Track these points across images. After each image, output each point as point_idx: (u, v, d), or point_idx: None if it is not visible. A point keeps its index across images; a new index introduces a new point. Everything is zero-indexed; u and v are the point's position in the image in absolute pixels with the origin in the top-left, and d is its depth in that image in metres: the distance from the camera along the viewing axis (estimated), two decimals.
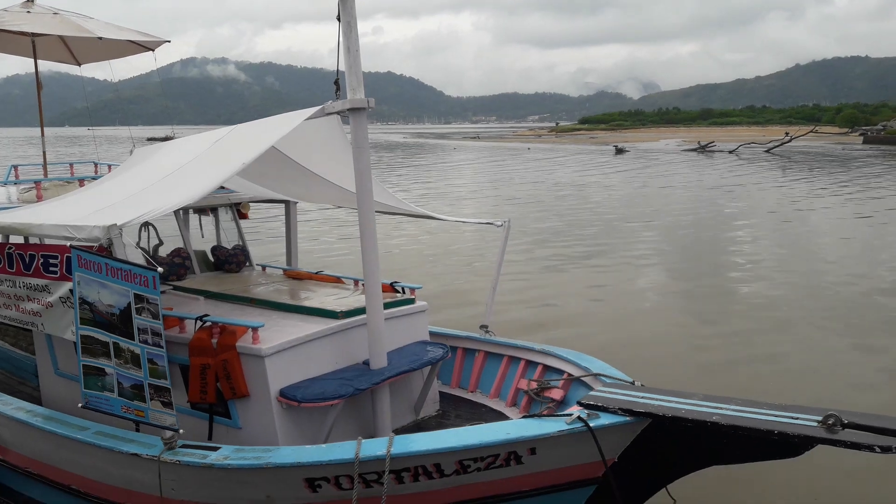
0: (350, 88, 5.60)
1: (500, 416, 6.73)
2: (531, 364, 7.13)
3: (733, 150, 77.73)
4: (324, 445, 4.88)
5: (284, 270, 8.46)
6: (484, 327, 7.79)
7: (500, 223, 7.67)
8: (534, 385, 6.72)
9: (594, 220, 26.57)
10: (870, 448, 3.88)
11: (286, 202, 8.85)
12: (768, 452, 4.31)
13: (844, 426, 4.05)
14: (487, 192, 38.53)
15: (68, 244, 5.18)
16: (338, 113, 5.82)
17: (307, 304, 6.65)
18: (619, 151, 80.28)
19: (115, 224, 4.91)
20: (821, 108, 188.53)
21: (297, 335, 5.76)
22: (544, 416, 4.82)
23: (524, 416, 4.90)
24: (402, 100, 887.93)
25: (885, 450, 3.86)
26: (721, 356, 11.14)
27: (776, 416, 4.25)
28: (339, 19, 5.57)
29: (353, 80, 5.59)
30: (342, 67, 5.64)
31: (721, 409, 4.37)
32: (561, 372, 6.70)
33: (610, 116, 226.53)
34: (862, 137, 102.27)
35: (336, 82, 5.80)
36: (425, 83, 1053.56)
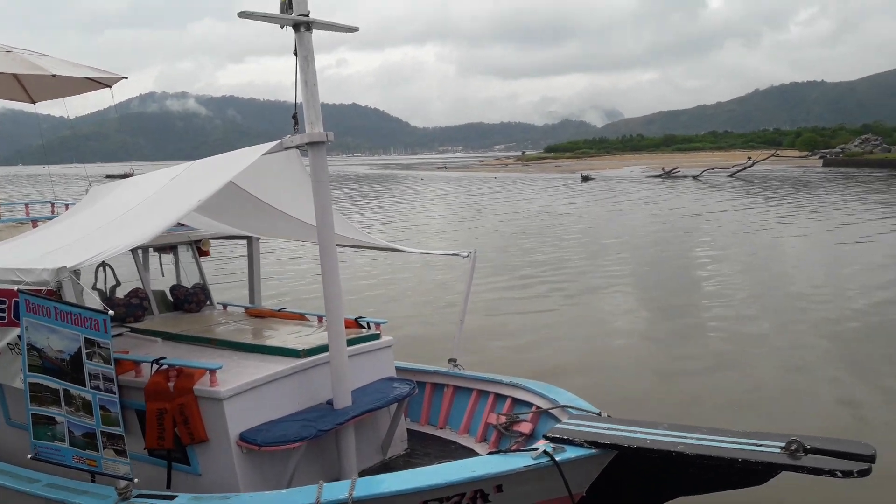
0: (308, 122, 5.57)
1: (470, 453, 6.62)
2: (500, 397, 7.05)
3: (697, 176, 79.31)
4: (284, 491, 4.73)
5: (246, 309, 8.29)
6: (452, 361, 7.70)
7: (466, 254, 7.63)
8: (503, 419, 6.64)
9: (563, 249, 26.75)
10: (832, 473, 3.89)
11: (248, 238, 8.73)
12: (734, 481, 4.30)
13: (807, 451, 4.05)
14: (455, 222, 38.66)
15: (16, 288, 5.01)
16: (296, 147, 5.79)
17: (268, 343, 6.51)
18: (586, 179, 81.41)
19: (65, 266, 4.77)
20: (781, 133, 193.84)
21: (257, 376, 5.62)
22: (511, 451, 4.75)
23: (491, 453, 4.82)
24: (367, 131, 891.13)
25: (847, 474, 3.87)
26: (689, 382, 11.17)
27: (740, 443, 4.25)
28: (295, 54, 5.58)
29: (311, 114, 5.57)
30: (300, 101, 5.64)
31: (686, 438, 4.35)
32: (530, 405, 6.63)
33: (575, 144, 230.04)
34: (822, 160, 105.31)
35: (294, 116, 5.78)
36: (391, 114, 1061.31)
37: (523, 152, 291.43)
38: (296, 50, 5.55)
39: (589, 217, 38.64)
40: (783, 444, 4.12)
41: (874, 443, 4.34)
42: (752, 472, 4.16)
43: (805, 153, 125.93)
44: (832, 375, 11.23)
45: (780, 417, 9.45)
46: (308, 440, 5.37)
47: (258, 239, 8.84)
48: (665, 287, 18.99)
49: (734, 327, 14.33)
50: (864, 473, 3.92)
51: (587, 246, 27.12)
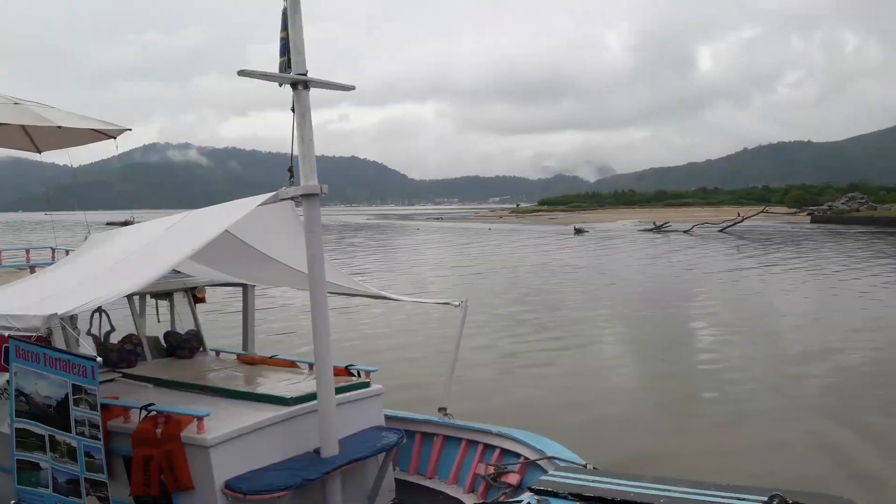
0: (303, 175, 5.74)
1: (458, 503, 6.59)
2: (489, 448, 7.05)
3: (688, 230, 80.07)
4: None
5: (238, 355, 8.32)
6: (442, 410, 7.70)
7: (457, 303, 7.71)
8: (491, 470, 6.62)
9: (556, 300, 26.83)
10: None
11: (243, 286, 8.82)
12: None
13: None
14: (449, 271, 38.77)
15: (7, 334, 5.06)
16: (291, 199, 5.94)
17: (257, 390, 6.53)
18: (579, 232, 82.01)
19: (55, 313, 4.83)
20: (770, 190, 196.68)
21: (245, 423, 5.63)
22: (498, 503, 4.76)
23: None
24: (366, 182, 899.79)
25: None
26: (680, 433, 11.14)
27: (723, 497, 4.28)
28: (293, 110, 5.78)
29: (306, 168, 5.74)
30: (296, 154, 5.81)
31: (670, 491, 4.38)
32: (518, 455, 6.63)
33: (568, 198, 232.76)
34: (810, 217, 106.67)
35: (290, 169, 5.94)
36: (389, 167, 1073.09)
37: (517, 205, 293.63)
38: (293, 107, 5.75)
39: (582, 268, 38.84)
40: (765, 499, 4.15)
41: (859, 497, 4.39)
42: None
43: (793, 210, 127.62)
44: (819, 425, 11.22)
45: (767, 468, 9.42)
46: (294, 489, 5.35)
47: (253, 286, 8.93)
48: (658, 337, 19.03)
49: (724, 377, 14.34)
50: None
51: (581, 296, 27.21)
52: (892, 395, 13.10)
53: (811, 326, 20.52)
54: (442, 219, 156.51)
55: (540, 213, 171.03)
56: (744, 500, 4.21)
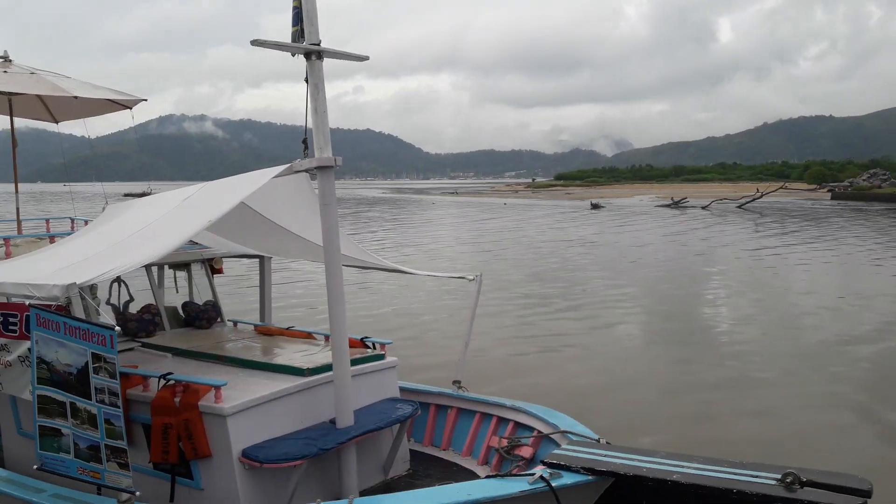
0: (318, 147, 5.72)
1: (472, 475, 6.65)
2: (503, 421, 7.10)
3: (706, 206, 79.29)
4: None
5: (255, 326, 8.40)
6: (457, 383, 7.76)
7: (472, 277, 7.71)
8: (504, 443, 6.68)
9: (572, 274, 26.78)
10: None
11: (260, 257, 8.88)
12: None
13: (803, 484, 4.07)
14: (465, 246, 38.76)
15: (27, 303, 5.13)
16: (306, 171, 5.93)
17: (274, 361, 6.60)
18: (596, 207, 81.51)
19: (74, 283, 4.88)
20: (789, 166, 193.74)
21: (262, 393, 5.70)
22: (510, 475, 4.79)
23: (489, 476, 4.86)
24: (381, 156, 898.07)
25: None
26: (695, 409, 11.14)
27: (736, 474, 4.28)
28: (307, 81, 5.74)
29: (320, 140, 5.71)
30: (310, 127, 5.79)
31: (683, 467, 4.38)
32: (531, 429, 6.67)
33: (584, 173, 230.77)
34: (830, 193, 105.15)
35: (304, 141, 5.92)
36: (404, 140, 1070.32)
37: (533, 179, 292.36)
38: (307, 77, 5.71)
39: (600, 243, 38.68)
40: (779, 476, 4.15)
41: (874, 478, 4.37)
42: None
43: (813, 186, 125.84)
44: (838, 405, 11.18)
45: (783, 447, 9.42)
46: (310, 458, 5.42)
47: (269, 258, 8.98)
48: (677, 313, 18.97)
49: (742, 355, 14.29)
50: None
51: (598, 273, 27.14)
52: None
53: (834, 308, 20.33)
54: (457, 193, 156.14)
55: (556, 188, 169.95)
56: (757, 476, 4.22)
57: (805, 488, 4.07)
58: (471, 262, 30.51)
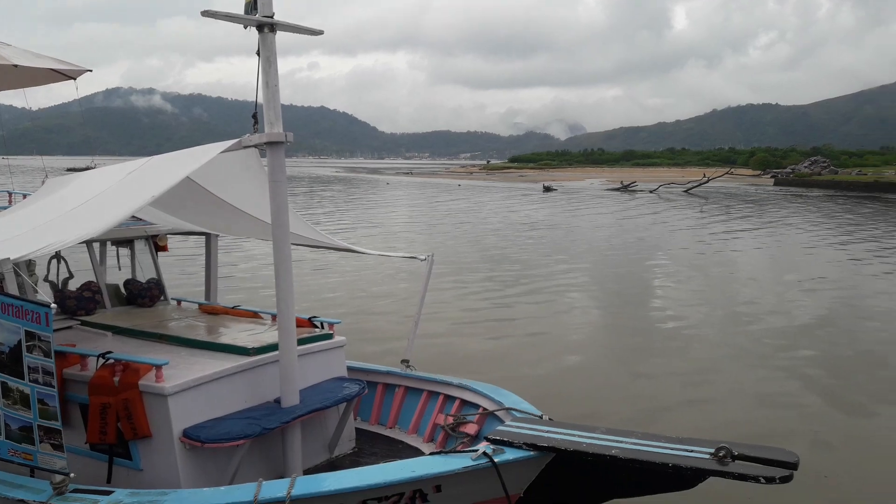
0: (268, 122, 5.63)
1: (417, 453, 6.71)
2: (449, 399, 7.17)
3: (654, 190, 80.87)
4: (223, 488, 4.74)
5: (200, 305, 8.26)
6: (405, 362, 7.80)
7: (423, 257, 7.74)
8: (450, 420, 6.76)
9: (524, 256, 27.05)
10: (755, 479, 4.07)
11: (206, 234, 8.70)
12: (664, 485, 4.46)
13: (734, 458, 4.23)
14: (419, 227, 38.73)
15: None
16: (255, 146, 5.82)
17: (218, 340, 6.51)
18: (548, 189, 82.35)
19: (8, 258, 4.72)
20: (736, 152, 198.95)
21: (204, 373, 5.62)
22: (454, 452, 4.85)
23: (433, 453, 4.92)
24: (335, 134, 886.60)
25: (769, 480, 4.05)
26: (636, 387, 11.45)
27: (672, 448, 4.41)
28: (258, 54, 5.62)
29: (271, 115, 5.62)
30: (261, 101, 5.68)
31: (622, 442, 4.51)
32: (477, 406, 6.76)
33: (538, 156, 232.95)
34: (773, 179, 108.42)
35: (254, 116, 5.82)
36: (359, 118, 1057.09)
37: (488, 161, 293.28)
38: (259, 50, 5.60)
39: (550, 226, 39.11)
40: (713, 451, 4.30)
41: (800, 450, 4.58)
42: (682, 477, 4.33)
43: (757, 172, 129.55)
44: (771, 384, 11.62)
45: (717, 424, 9.77)
46: (252, 438, 5.39)
47: (216, 236, 8.82)
48: (621, 294, 19.38)
49: (682, 332, 14.72)
50: (785, 480, 4.10)
51: (548, 253, 27.48)
52: (844, 355, 13.58)
53: (772, 291, 21.07)
54: (412, 173, 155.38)
55: (510, 171, 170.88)
56: (692, 451, 4.37)
57: (736, 462, 4.23)
58: (425, 243, 30.53)
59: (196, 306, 8.21)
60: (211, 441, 5.26)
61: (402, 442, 7.15)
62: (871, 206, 57.88)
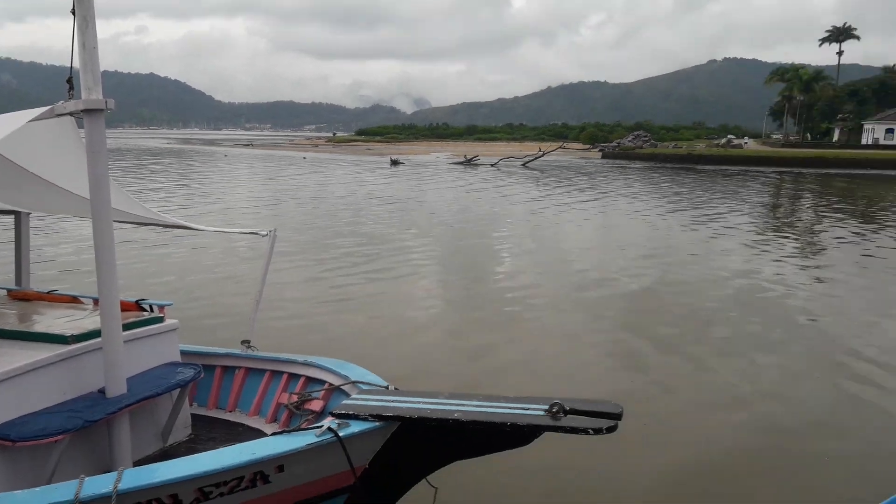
0: (85, 88, 5.09)
1: (259, 434, 6.52)
2: (294, 377, 7.01)
3: (495, 164, 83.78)
4: (38, 489, 4.32)
5: (9, 291, 7.44)
6: (246, 342, 7.51)
7: (265, 233, 7.47)
8: (294, 398, 6.61)
9: (371, 231, 26.99)
10: (585, 431, 4.38)
11: (15, 213, 7.82)
12: (504, 443, 4.69)
13: (567, 413, 4.52)
14: (262, 202, 37.37)
15: None
16: (71, 114, 5.27)
17: (32, 328, 5.90)
18: (395, 163, 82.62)
19: None
20: (568, 127, 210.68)
21: (15, 365, 5.07)
22: (298, 429, 4.76)
23: (276, 433, 4.79)
24: (166, 103, 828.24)
25: (597, 431, 4.38)
26: (478, 352, 11.90)
27: (511, 408, 4.63)
28: (73, 13, 5.06)
29: (88, 80, 5.09)
30: (77, 66, 5.15)
31: (463, 405, 4.66)
32: (323, 382, 6.67)
33: (385, 129, 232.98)
34: (601, 153, 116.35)
35: (69, 81, 5.26)
36: (193, 87, 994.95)
37: (334, 134, 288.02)
38: (74, 8, 5.04)
39: (398, 199, 39.30)
40: (547, 407, 4.56)
41: (625, 401, 4.98)
42: (520, 435, 4.56)
43: (587, 146, 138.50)
44: (599, 341, 12.56)
45: (554, 380, 10.43)
46: (73, 432, 4.96)
47: (28, 214, 7.96)
48: (467, 265, 19.95)
49: (525, 300, 15.46)
50: (611, 430, 4.45)
51: (396, 226, 27.62)
52: (671, 314, 14.91)
53: (604, 253, 22.66)
54: (252, 145, 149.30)
55: (357, 143, 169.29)
56: (528, 409, 4.61)
57: (568, 416, 4.52)
58: (269, 219, 29.54)
59: (5, 292, 7.39)
60: (24, 439, 4.77)
61: (242, 425, 6.92)
62: (691, 177, 63.83)
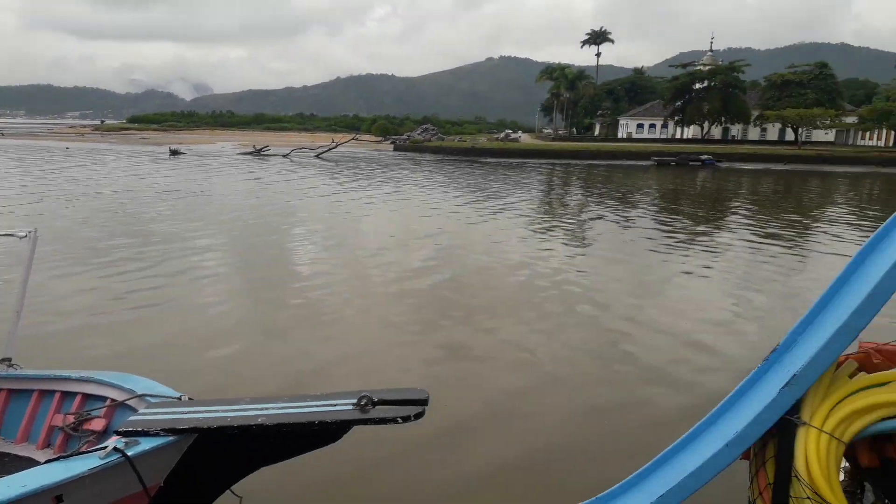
0: None
1: (30, 463, 5.72)
2: (68, 395, 6.23)
3: (287, 155, 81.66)
4: None
5: None
6: (6, 360, 6.54)
7: (23, 234, 6.57)
8: (70, 419, 5.88)
9: (152, 227, 24.90)
10: (394, 420, 4.41)
11: None
12: (312, 443, 4.56)
13: (375, 404, 4.51)
14: (17, 200, 32.81)
15: None
16: None
17: None
18: (175, 153, 77.22)
19: None
20: (359, 119, 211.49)
21: None
22: (78, 453, 4.23)
23: (51, 459, 4.22)
24: None
25: (406, 419, 4.43)
26: (280, 349, 11.53)
27: (318, 406, 4.52)
28: None
29: None
30: None
31: (267, 409, 4.45)
32: (104, 399, 6.01)
33: (162, 116, 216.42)
34: (393, 145, 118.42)
35: None
36: None
37: (102, 121, 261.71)
38: None
39: (181, 192, 36.66)
40: (355, 401, 4.51)
41: (430, 386, 5.08)
42: (328, 432, 4.47)
43: (379, 138, 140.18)
44: (402, 330, 12.79)
45: (362, 373, 10.42)
46: None
47: None
48: (265, 259, 19.18)
49: (326, 297, 15.23)
50: (419, 416, 4.53)
51: (180, 221, 25.73)
52: (470, 301, 15.52)
53: (395, 243, 23.03)
54: (3, 135, 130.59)
55: (130, 132, 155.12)
56: (336, 404, 4.52)
57: (377, 407, 4.51)
58: (28, 219, 26.06)
59: None
60: None
61: (8, 454, 6.02)
62: (479, 169, 67.10)
